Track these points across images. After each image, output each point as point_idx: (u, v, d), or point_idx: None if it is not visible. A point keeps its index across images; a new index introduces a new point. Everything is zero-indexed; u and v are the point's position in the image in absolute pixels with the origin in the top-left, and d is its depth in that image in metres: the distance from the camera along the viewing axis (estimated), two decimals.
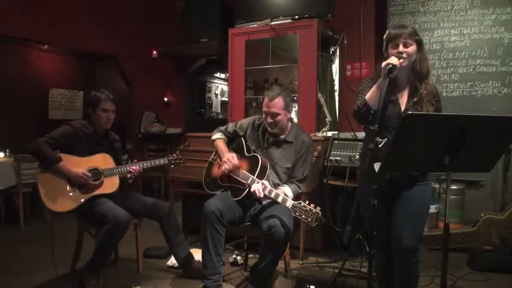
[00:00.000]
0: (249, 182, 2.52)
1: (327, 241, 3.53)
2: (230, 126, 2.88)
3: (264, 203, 2.62)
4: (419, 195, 2.01)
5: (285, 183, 2.63)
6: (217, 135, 2.86)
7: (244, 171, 2.59)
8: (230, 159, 2.61)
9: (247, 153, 2.71)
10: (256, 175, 2.52)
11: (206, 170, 2.84)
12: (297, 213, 2.26)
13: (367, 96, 2.00)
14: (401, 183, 2.01)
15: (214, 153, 2.86)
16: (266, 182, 2.47)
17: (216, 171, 2.77)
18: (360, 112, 2.02)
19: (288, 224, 2.39)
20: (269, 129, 2.66)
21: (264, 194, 2.43)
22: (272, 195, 2.41)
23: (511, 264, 3.07)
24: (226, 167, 2.60)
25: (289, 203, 2.32)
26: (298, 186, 2.62)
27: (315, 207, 2.23)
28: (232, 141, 2.86)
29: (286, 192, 2.51)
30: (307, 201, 2.28)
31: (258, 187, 2.43)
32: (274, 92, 2.61)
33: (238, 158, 2.67)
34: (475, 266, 3.15)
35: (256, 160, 2.58)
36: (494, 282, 2.95)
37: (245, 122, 2.87)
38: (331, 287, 2.83)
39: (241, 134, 2.82)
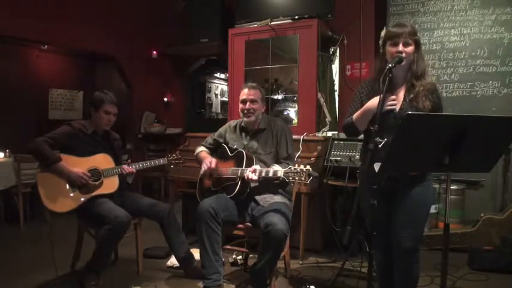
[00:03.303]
0: (239, 174, 2.58)
1: (327, 241, 3.52)
2: (209, 138, 2.99)
3: (262, 203, 2.62)
4: (419, 196, 2.00)
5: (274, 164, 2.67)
6: (199, 149, 2.96)
7: (232, 168, 2.65)
8: (207, 162, 2.72)
9: (231, 153, 2.77)
10: (244, 166, 2.58)
11: (198, 187, 2.89)
12: (290, 178, 2.32)
13: (355, 117, 2.04)
14: (400, 184, 2.01)
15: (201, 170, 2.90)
16: (256, 166, 2.52)
17: (207, 182, 2.83)
18: (348, 130, 2.12)
19: (284, 221, 2.40)
20: (245, 118, 2.76)
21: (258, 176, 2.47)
22: (263, 174, 2.47)
23: (511, 264, 3.07)
24: (204, 166, 2.72)
25: (280, 172, 2.39)
26: (287, 163, 2.66)
27: (304, 166, 2.28)
28: (216, 151, 2.92)
29: (275, 169, 2.55)
30: (296, 164, 2.34)
31: (249, 173, 2.47)
32: (253, 84, 2.84)
33: (224, 161, 2.76)
34: (475, 266, 3.15)
35: (241, 154, 2.67)
36: (494, 282, 2.95)
37: (222, 129, 2.98)
38: (331, 287, 2.83)
39: (221, 141, 2.91)
